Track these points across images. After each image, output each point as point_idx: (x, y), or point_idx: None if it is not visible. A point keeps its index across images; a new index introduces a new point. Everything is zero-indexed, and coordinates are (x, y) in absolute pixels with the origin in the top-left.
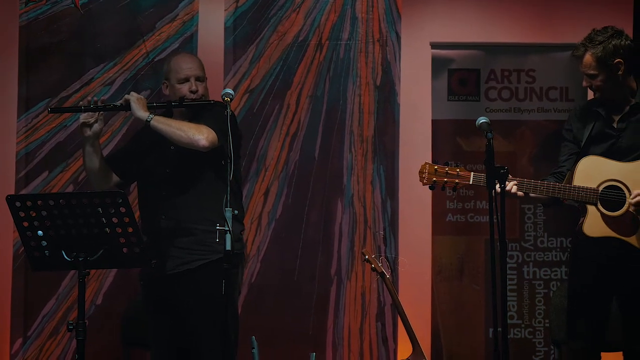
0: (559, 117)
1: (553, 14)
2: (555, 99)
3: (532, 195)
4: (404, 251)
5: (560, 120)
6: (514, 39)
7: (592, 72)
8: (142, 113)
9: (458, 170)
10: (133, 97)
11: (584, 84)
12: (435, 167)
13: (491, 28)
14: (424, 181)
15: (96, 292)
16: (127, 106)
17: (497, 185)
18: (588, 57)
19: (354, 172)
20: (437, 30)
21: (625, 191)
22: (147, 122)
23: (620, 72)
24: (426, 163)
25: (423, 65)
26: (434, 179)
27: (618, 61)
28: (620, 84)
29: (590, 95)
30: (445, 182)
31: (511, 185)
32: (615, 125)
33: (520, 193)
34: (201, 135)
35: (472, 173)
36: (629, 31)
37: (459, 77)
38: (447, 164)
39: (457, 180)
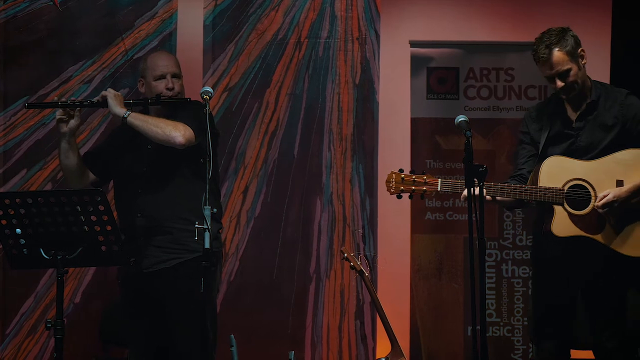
0: None
1: (532, 13)
2: (534, 98)
3: (498, 198)
4: (383, 249)
5: None
6: (493, 37)
7: (566, 67)
8: (119, 110)
9: (425, 177)
10: (110, 93)
11: (558, 84)
12: (402, 175)
13: (470, 27)
14: (391, 190)
15: (75, 290)
16: (104, 103)
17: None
18: (558, 54)
19: (333, 170)
20: (416, 29)
21: (590, 189)
22: (124, 118)
23: (584, 62)
24: (392, 172)
25: (402, 64)
26: (401, 187)
27: (582, 50)
28: (585, 75)
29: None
30: (413, 190)
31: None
32: (573, 124)
33: (488, 197)
34: (178, 132)
35: (439, 180)
36: (607, 28)
37: (438, 75)
38: (412, 172)
39: (424, 188)
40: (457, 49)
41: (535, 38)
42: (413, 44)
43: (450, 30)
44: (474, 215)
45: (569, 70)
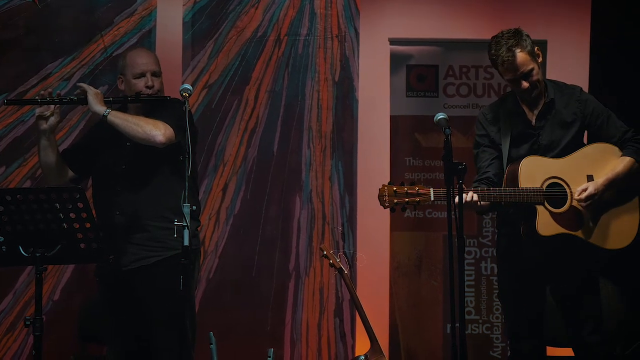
0: None
1: (511, 10)
2: None
3: (482, 203)
4: (362, 247)
5: None
6: (472, 35)
7: (530, 67)
8: (99, 107)
9: (417, 188)
10: (90, 91)
11: (524, 85)
12: (394, 188)
13: (450, 24)
14: (385, 204)
15: (53, 287)
16: (84, 100)
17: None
18: (521, 55)
19: (312, 167)
20: (396, 26)
21: (565, 186)
22: (104, 116)
23: (541, 60)
24: (384, 186)
25: (381, 61)
26: (395, 200)
27: (537, 48)
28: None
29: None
30: (407, 202)
31: (471, 195)
32: (533, 124)
33: (484, 203)
34: (158, 131)
35: (431, 189)
36: (587, 26)
37: (417, 73)
38: (402, 184)
39: (417, 199)
40: (436, 47)
41: (490, 42)
42: (392, 41)
43: (429, 28)
44: (453, 213)
45: (532, 69)
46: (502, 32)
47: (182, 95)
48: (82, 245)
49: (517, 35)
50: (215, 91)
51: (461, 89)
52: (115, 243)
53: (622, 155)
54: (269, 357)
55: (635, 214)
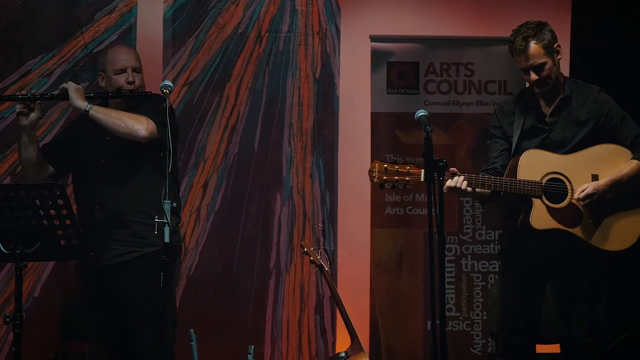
0: None
1: (492, 8)
2: (494, 92)
3: (477, 190)
4: (343, 244)
5: None
6: (453, 32)
7: (541, 61)
8: (80, 102)
9: (408, 167)
10: (71, 86)
11: (532, 77)
12: (385, 165)
13: (430, 21)
14: (375, 180)
15: (34, 284)
16: (65, 96)
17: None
18: (535, 47)
19: (293, 164)
20: (377, 23)
21: (567, 183)
22: (86, 111)
23: (559, 57)
24: (375, 162)
25: (362, 58)
26: (385, 177)
27: (557, 45)
28: (559, 70)
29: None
30: (396, 180)
31: (461, 181)
32: (547, 119)
33: (469, 189)
34: (140, 126)
35: (422, 170)
36: (567, 25)
37: (398, 70)
38: (395, 162)
39: (407, 178)
40: (417, 44)
41: (513, 30)
42: (373, 38)
43: (410, 25)
44: (433, 209)
45: (544, 64)
46: (527, 22)
47: (162, 92)
48: (62, 242)
49: (537, 27)
50: (195, 88)
51: (442, 86)
52: (95, 238)
53: (631, 159)
54: (250, 354)
55: (639, 219)
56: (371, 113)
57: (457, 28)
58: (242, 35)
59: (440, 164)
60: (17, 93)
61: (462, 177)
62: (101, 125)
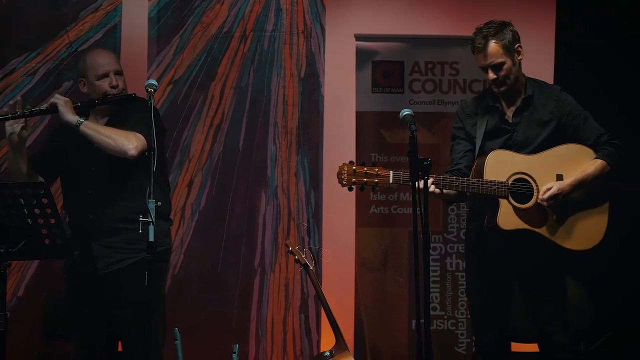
0: None
1: (477, 7)
2: (479, 92)
3: (445, 191)
4: (328, 243)
5: None
6: (438, 31)
7: (499, 60)
8: (71, 117)
9: (377, 169)
10: (60, 100)
11: (490, 75)
12: (354, 167)
13: (415, 20)
14: (343, 182)
15: (18, 283)
16: (54, 109)
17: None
18: (494, 46)
19: (278, 163)
20: (362, 22)
21: (532, 183)
22: (77, 126)
23: (520, 57)
24: (344, 164)
25: (347, 57)
26: (353, 179)
27: (518, 45)
28: (520, 71)
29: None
30: (365, 182)
31: (430, 183)
32: (510, 120)
33: (437, 190)
34: (130, 145)
35: (390, 172)
36: (551, 24)
37: (383, 69)
38: (363, 164)
39: (376, 180)
40: (402, 43)
41: (476, 28)
42: (358, 37)
43: (395, 24)
44: (418, 209)
45: (503, 63)
46: (490, 21)
47: (147, 90)
48: (46, 241)
49: (498, 27)
50: (180, 87)
51: (427, 85)
52: (89, 246)
53: (595, 158)
54: (234, 353)
55: (604, 217)
56: (356, 112)
57: (442, 27)
58: (227, 34)
59: (425, 163)
60: (5, 110)
61: (430, 179)
62: (91, 141)
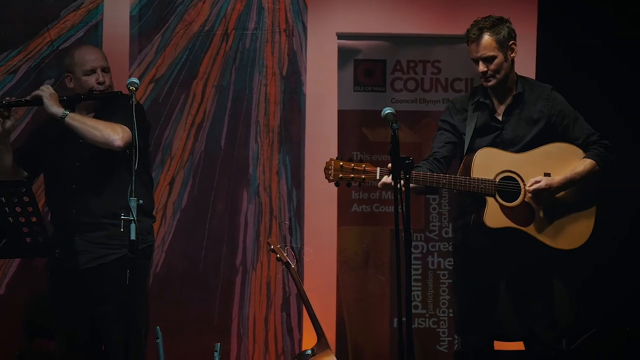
0: None
1: (459, 6)
2: (461, 90)
3: (411, 185)
4: (310, 241)
5: None
6: (420, 30)
7: (491, 53)
8: (56, 109)
9: (364, 165)
10: (45, 92)
11: (480, 67)
12: (341, 163)
13: (397, 19)
14: (330, 178)
15: None
16: (39, 101)
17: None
18: (487, 39)
19: (259, 162)
20: (344, 21)
21: (520, 182)
22: (62, 118)
23: (513, 55)
24: (331, 159)
25: (329, 56)
26: (340, 175)
27: (513, 43)
28: (512, 68)
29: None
30: (352, 178)
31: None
32: (499, 117)
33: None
34: (117, 136)
35: (378, 168)
36: (533, 22)
37: (365, 67)
38: (351, 160)
39: (363, 176)
40: (384, 42)
41: (474, 21)
42: (340, 36)
43: (377, 22)
44: (400, 207)
45: (494, 57)
46: (489, 15)
47: (129, 89)
48: (27, 240)
49: (495, 21)
50: (162, 85)
51: (409, 84)
52: (72, 241)
53: (584, 157)
54: (216, 351)
55: (591, 219)
56: (338, 111)
57: (424, 26)
58: (208, 33)
59: (407, 161)
60: None
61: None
62: (77, 133)
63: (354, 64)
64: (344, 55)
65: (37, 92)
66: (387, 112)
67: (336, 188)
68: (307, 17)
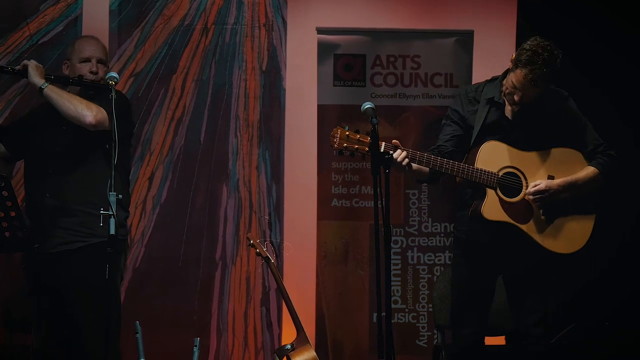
0: (443, 102)
1: (438, 1)
2: (440, 85)
3: (415, 167)
4: (289, 236)
5: (444, 106)
6: (399, 24)
7: (540, 88)
8: (37, 80)
9: (369, 138)
10: (32, 63)
11: (516, 98)
12: (347, 133)
13: (377, 14)
14: (335, 145)
15: None
16: (24, 72)
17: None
18: (538, 90)
19: (239, 156)
20: (323, 16)
21: (522, 179)
22: (41, 89)
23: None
24: (338, 127)
25: (309, 51)
26: (345, 144)
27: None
28: None
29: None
30: (356, 149)
31: (399, 153)
32: (510, 117)
33: (417, 167)
34: (89, 112)
35: (383, 142)
36: (513, 17)
37: (344, 62)
38: (357, 132)
39: (367, 149)
40: (363, 36)
41: (534, 40)
42: (320, 30)
43: (357, 17)
44: (379, 202)
45: (532, 96)
46: (551, 44)
47: (108, 83)
48: (6, 234)
49: (555, 58)
50: (142, 80)
51: (388, 79)
52: (42, 225)
53: (588, 165)
54: (195, 346)
55: (589, 226)
56: (318, 105)
57: (403, 21)
58: (188, 27)
59: (387, 156)
60: None
61: (404, 153)
62: (52, 104)
63: (333, 59)
64: (323, 50)
65: (25, 61)
66: (366, 106)
67: (316, 183)
68: (287, 12)
